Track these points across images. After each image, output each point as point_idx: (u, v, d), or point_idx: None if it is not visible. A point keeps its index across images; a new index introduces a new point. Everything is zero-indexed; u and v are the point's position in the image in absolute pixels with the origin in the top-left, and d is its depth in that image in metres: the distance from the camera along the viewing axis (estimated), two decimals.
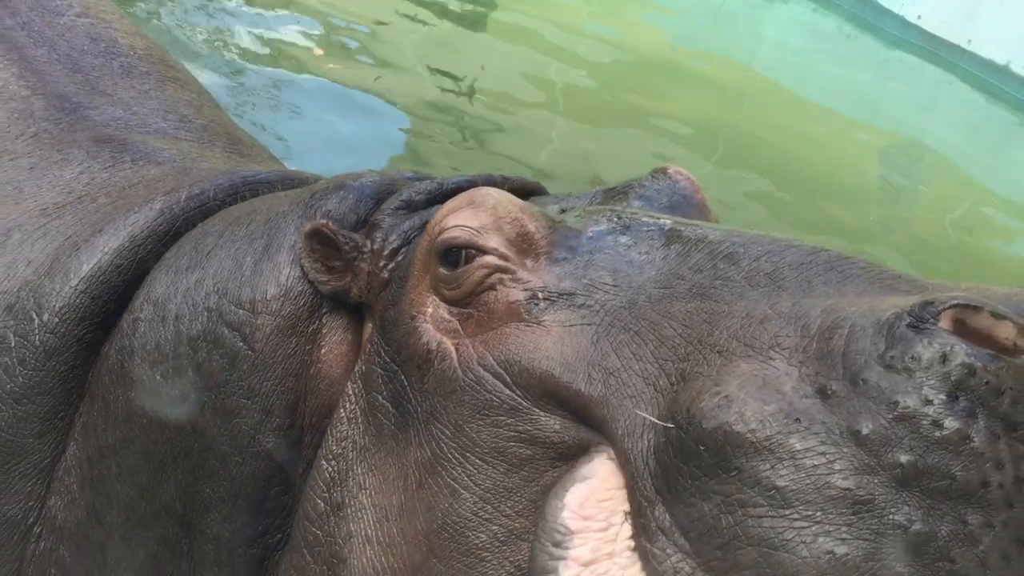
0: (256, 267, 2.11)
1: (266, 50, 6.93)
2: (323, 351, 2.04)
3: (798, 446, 1.38)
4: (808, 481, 1.37)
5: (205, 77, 5.51)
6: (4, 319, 2.31)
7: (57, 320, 2.25)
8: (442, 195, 2.10)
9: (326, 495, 1.97)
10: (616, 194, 2.10)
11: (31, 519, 2.28)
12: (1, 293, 2.37)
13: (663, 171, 2.11)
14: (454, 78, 7.77)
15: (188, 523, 2.11)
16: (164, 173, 2.77)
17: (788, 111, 8.81)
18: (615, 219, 1.85)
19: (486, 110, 7.44)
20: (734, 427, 1.42)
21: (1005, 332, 1.35)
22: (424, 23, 8.75)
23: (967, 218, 7.60)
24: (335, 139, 6.08)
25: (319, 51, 7.25)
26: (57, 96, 3.18)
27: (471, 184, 2.11)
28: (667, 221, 1.83)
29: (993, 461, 1.32)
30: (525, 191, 2.23)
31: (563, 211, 2.02)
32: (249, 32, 7.03)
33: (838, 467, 1.36)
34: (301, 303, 2.05)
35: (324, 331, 2.05)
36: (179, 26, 6.61)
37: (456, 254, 1.83)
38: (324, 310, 2.06)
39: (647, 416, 1.55)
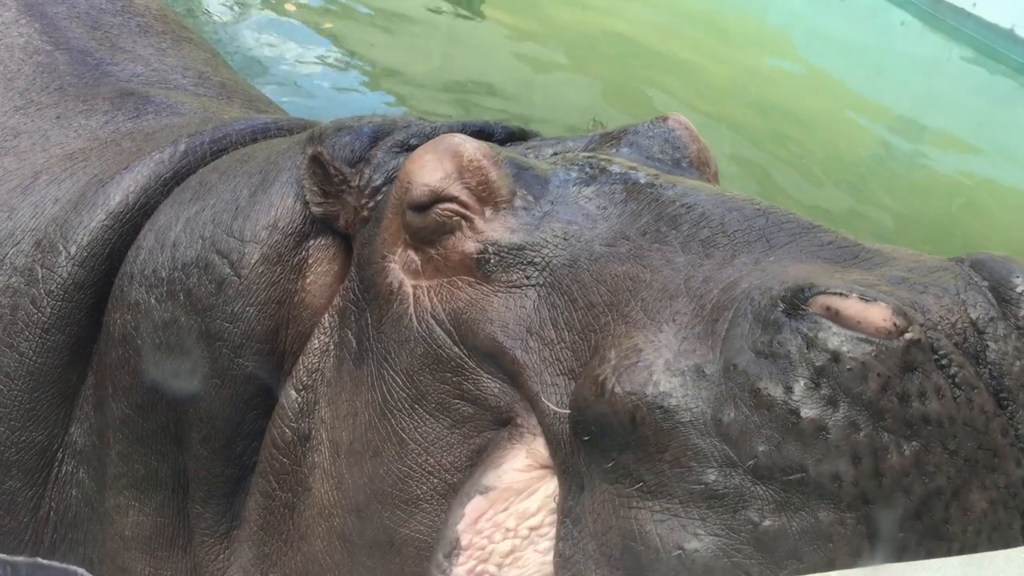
0: (250, 199, 2.19)
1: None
2: (307, 280, 2.11)
3: (664, 440, 1.36)
4: (670, 474, 1.34)
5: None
6: (32, 254, 2.38)
7: (86, 254, 2.33)
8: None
9: (293, 425, 2.04)
10: (611, 139, 2.11)
11: (55, 445, 2.37)
12: (29, 231, 2.44)
13: (663, 118, 2.12)
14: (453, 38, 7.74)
15: (181, 441, 2.20)
16: (187, 121, 2.84)
17: (793, 75, 8.82)
18: (587, 168, 1.88)
19: (487, 56, 7.41)
20: (608, 418, 1.43)
21: (880, 315, 1.29)
22: None
23: (970, 182, 7.62)
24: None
25: (290, 5, 7.22)
26: (80, 51, 3.26)
27: (464, 128, 2.15)
28: (636, 174, 1.84)
29: (849, 454, 1.25)
30: (523, 138, 2.26)
31: (555, 154, 2.05)
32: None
33: (699, 460, 1.32)
34: (288, 234, 2.12)
35: (310, 261, 2.12)
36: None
37: (422, 199, 1.88)
38: (311, 241, 2.12)
39: (551, 406, 1.58)
